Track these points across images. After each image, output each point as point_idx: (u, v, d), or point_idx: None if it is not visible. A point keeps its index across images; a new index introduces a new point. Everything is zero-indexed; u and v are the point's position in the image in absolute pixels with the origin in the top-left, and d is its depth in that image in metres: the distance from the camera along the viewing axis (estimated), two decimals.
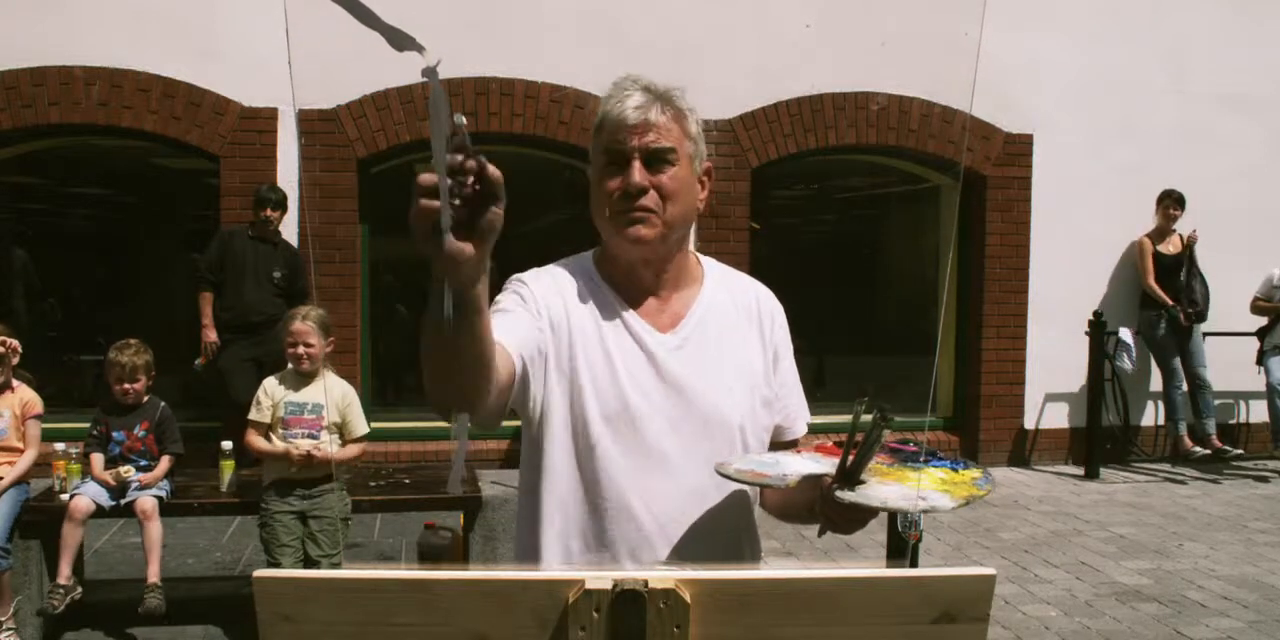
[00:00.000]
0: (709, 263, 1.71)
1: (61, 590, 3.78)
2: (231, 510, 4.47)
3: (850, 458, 1.40)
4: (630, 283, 1.61)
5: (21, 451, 4.05)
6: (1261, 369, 7.30)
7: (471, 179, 1.02)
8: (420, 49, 0.94)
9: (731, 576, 1.01)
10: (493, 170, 1.02)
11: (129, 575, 4.43)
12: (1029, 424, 7.63)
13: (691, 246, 1.70)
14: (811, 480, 1.44)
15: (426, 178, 1.00)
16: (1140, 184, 7.48)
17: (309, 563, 3.91)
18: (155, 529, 3.95)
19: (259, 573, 0.98)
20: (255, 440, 3.93)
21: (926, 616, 1.00)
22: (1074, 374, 7.45)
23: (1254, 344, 7.37)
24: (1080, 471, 7.34)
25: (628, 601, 0.96)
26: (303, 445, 3.85)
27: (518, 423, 1.59)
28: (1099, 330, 7.26)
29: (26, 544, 3.93)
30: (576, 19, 6.84)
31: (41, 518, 3.93)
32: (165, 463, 4.06)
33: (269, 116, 6.60)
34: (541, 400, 1.54)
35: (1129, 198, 7.50)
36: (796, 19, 7.12)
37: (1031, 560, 5.18)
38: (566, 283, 1.61)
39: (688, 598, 0.97)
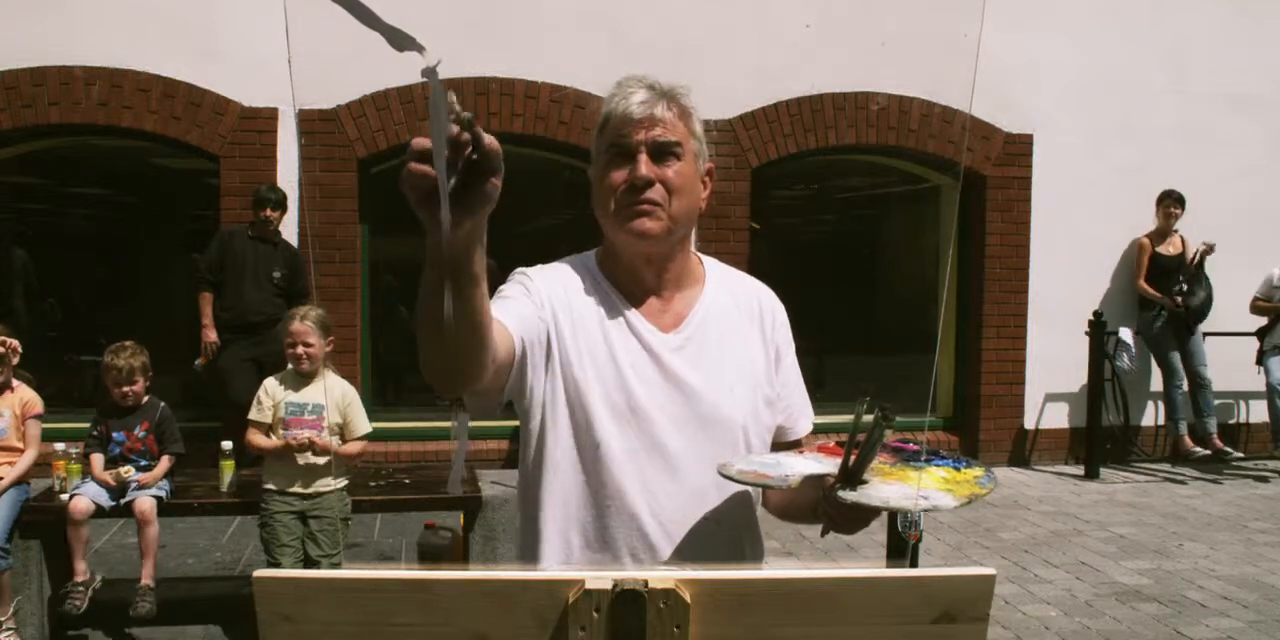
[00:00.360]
0: (711, 263, 1.71)
1: (81, 587, 3.78)
2: (231, 510, 4.47)
3: (852, 458, 1.40)
4: (633, 282, 1.61)
5: (21, 451, 4.05)
6: (1261, 369, 7.30)
7: (469, 150, 1.02)
8: (420, 49, 0.94)
9: (731, 576, 1.00)
10: (489, 141, 1.02)
11: (129, 575, 4.42)
12: (1029, 424, 7.63)
13: (692, 247, 1.70)
14: (813, 480, 1.44)
15: (419, 141, 1.00)
16: (1140, 184, 7.48)
17: (309, 563, 3.91)
18: (152, 531, 3.95)
19: (259, 573, 0.98)
20: (255, 438, 3.93)
21: (926, 616, 1.00)
22: (1074, 374, 7.45)
23: (1254, 344, 7.37)
24: (1080, 471, 7.34)
25: (628, 601, 0.96)
26: (301, 435, 3.85)
27: (517, 423, 1.59)
28: (1099, 330, 7.26)
29: (26, 544, 3.93)
30: (576, 19, 6.84)
31: (41, 518, 3.92)
32: (165, 462, 4.06)
33: (269, 116, 6.61)
34: (541, 393, 1.53)
35: (1129, 198, 7.50)
36: (796, 19, 7.12)
37: (1031, 560, 5.18)
38: (570, 279, 1.60)
39: (688, 598, 0.97)
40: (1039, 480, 7.13)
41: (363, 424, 4.04)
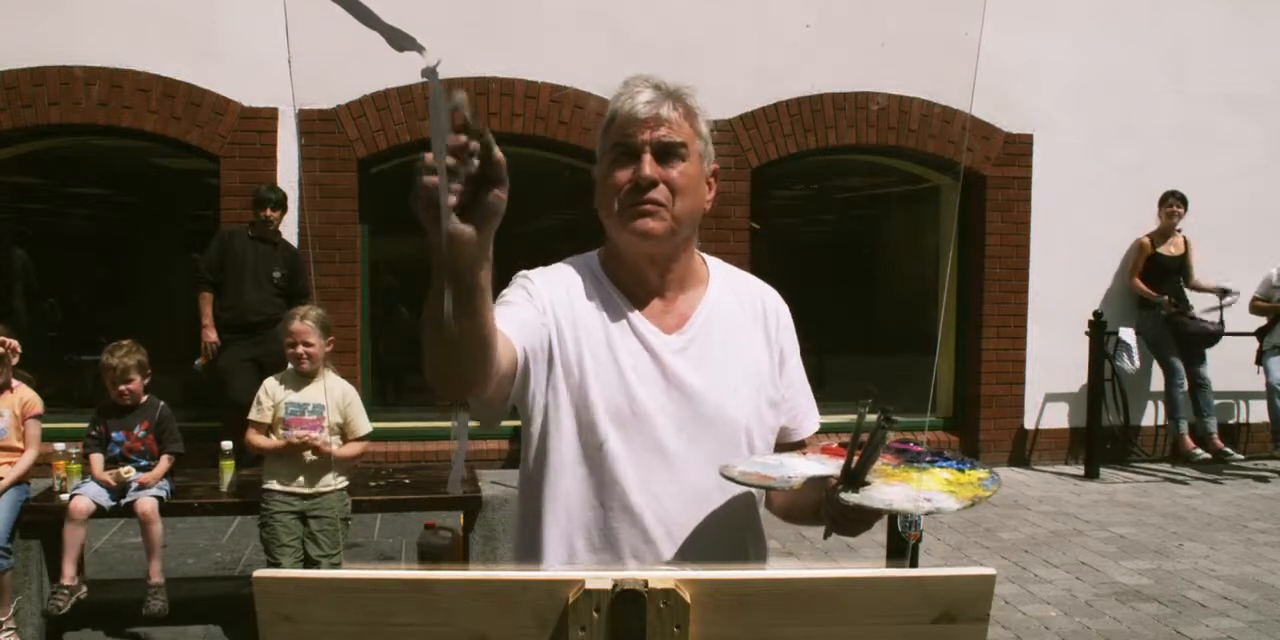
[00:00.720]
0: (714, 263, 1.70)
1: (66, 591, 3.77)
2: (231, 510, 4.46)
3: (854, 459, 1.39)
4: (636, 283, 1.60)
5: (21, 451, 4.05)
6: (1261, 369, 7.30)
7: (476, 161, 1.01)
8: (420, 49, 0.94)
9: (731, 577, 1.00)
10: (497, 153, 1.02)
11: (129, 575, 4.43)
12: (1029, 424, 7.63)
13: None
14: (816, 482, 1.43)
15: (431, 158, 1.00)
16: (1140, 184, 7.48)
17: (309, 563, 3.91)
18: (156, 530, 3.94)
19: (259, 573, 0.98)
20: (255, 437, 3.93)
21: (926, 616, 1.00)
22: (1074, 374, 7.45)
23: (1254, 344, 7.36)
24: (1080, 471, 7.34)
25: (628, 601, 0.96)
26: (304, 436, 3.85)
27: (517, 423, 1.59)
28: (1099, 330, 7.26)
29: (26, 544, 3.92)
30: (576, 19, 6.84)
31: (41, 518, 3.92)
32: (165, 462, 4.05)
33: (269, 116, 6.61)
34: (544, 396, 1.53)
35: (1129, 198, 7.50)
36: (796, 19, 7.12)
37: (1031, 560, 5.18)
38: (573, 281, 1.60)
39: (688, 598, 0.97)
40: (1039, 480, 7.13)
41: (363, 424, 4.04)
